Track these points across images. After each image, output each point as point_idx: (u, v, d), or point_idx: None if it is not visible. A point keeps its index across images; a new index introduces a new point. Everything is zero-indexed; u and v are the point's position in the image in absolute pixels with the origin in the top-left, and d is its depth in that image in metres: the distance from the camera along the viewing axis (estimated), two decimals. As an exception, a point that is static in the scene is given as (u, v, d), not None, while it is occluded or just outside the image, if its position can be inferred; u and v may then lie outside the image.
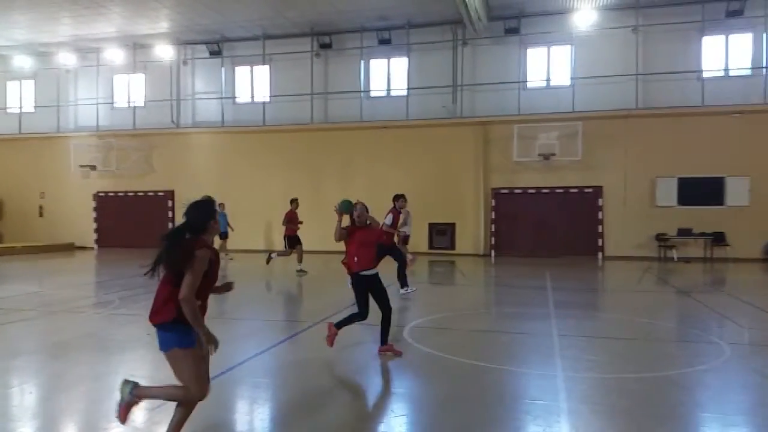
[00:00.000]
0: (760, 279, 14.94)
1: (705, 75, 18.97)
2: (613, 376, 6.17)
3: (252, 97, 23.25)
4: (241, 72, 23.41)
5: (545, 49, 20.40)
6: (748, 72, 18.87)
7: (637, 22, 19.08)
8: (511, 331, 8.60)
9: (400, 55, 21.59)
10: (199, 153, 23.31)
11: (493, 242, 20.49)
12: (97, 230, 24.55)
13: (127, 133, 23.94)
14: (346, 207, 6.89)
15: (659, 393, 5.56)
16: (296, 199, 15.91)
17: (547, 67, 20.46)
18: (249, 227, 21.60)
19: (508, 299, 12.24)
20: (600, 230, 19.62)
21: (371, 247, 6.86)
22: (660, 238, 18.92)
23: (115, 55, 24.00)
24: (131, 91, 24.49)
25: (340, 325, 6.81)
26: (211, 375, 4.15)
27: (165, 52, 23.44)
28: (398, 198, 11.54)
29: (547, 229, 19.97)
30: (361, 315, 6.75)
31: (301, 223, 15.56)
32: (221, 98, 23.15)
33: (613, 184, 19.44)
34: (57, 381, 5.93)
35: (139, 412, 4.66)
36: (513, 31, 20.06)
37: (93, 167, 23.92)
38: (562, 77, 20.25)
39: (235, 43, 22.91)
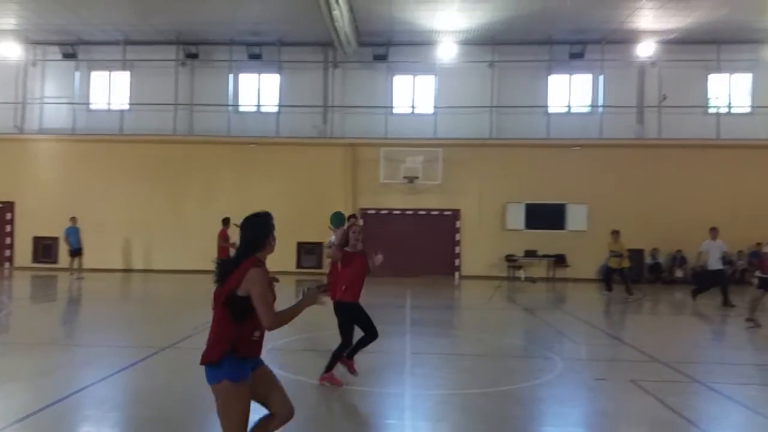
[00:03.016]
0: (595, 297, 16.52)
1: (551, 110, 20.82)
2: (458, 392, 6.54)
3: (109, 104, 21.89)
4: (98, 77, 21.97)
5: (411, 77, 21.31)
6: (587, 109, 21.02)
7: (493, 57, 20.55)
8: (367, 350, 8.78)
9: (271, 72, 21.46)
10: (45, 161, 21.44)
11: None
12: None
13: (-40, 136, 21.48)
14: (338, 220, 6.53)
15: (498, 408, 5.98)
16: (228, 218, 15.22)
17: (413, 94, 21.38)
18: (104, 244, 20.12)
19: (369, 318, 12.50)
20: (457, 251, 20.70)
21: (363, 278, 6.72)
22: (509, 258, 20.34)
23: (-52, 49, 21.50)
24: (-33, 89, 22.06)
25: (329, 368, 6.61)
26: (36, 407, 3.85)
27: (10, 50, 21.36)
28: (350, 217, 11.27)
29: (410, 250, 20.66)
30: (347, 345, 6.61)
31: (233, 244, 14.87)
32: (73, 104, 21.55)
33: (469, 208, 20.63)
34: None
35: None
36: (381, 57, 20.75)
37: None
38: (425, 105, 21.23)
39: (92, 46, 21.47)
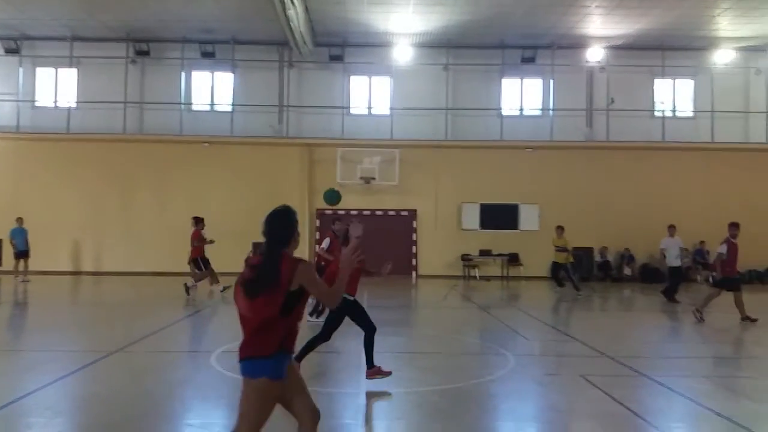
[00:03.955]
0: (546, 295, 16.95)
1: (504, 113, 21.22)
2: (413, 390, 6.62)
3: (55, 101, 21.19)
4: (44, 74, 21.25)
5: (367, 78, 21.39)
6: (539, 112, 21.51)
7: (448, 60, 20.80)
8: (323, 350, 8.77)
9: (224, 70, 21.18)
10: (-13, 160, 20.63)
11: (316, 262, 20.75)
12: None
13: None
14: (332, 197, 6.51)
15: (453, 405, 6.08)
16: (202, 219, 15.09)
17: (369, 95, 21.45)
18: (52, 246, 19.43)
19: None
20: (414, 251, 20.88)
21: (359, 274, 6.68)
22: (465, 258, 20.64)
23: None
24: None
25: (300, 356, 6.40)
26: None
27: (-53, 43, 20.48)
28: (335, 221, 11.13)
29: (367, 250, 20.62)
30: (324, 338, 6.59)
31: (212, 241, 14.73)
32: (17, 101, 20.76)
33: (425, 208, 20.83)
34: None
35: None
36: (337, 58, 20.75)
37: None
38: (382, 106, 21.33)
39: (37, 42, 20.75)
